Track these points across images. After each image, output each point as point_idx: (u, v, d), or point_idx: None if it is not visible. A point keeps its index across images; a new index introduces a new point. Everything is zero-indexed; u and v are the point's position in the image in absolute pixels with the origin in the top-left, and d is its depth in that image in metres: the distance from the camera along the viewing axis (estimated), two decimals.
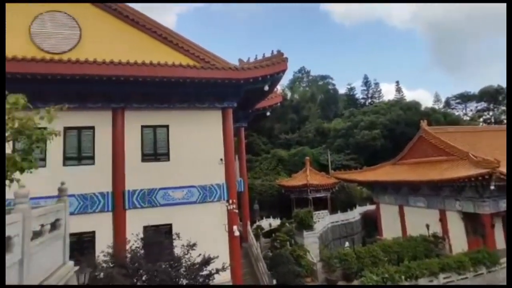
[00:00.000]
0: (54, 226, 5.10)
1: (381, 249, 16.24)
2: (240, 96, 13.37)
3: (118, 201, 11.28)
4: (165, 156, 12.13)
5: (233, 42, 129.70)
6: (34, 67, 10.24)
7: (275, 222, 26.24)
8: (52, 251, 4.98)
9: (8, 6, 12.06)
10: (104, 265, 7.81)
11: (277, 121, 49.58)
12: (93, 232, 10.87)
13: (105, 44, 12.30)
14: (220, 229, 11.84)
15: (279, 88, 21.33)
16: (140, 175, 11.59)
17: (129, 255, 8.10)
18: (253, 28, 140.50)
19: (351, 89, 73.98)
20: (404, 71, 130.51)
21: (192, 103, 12.53)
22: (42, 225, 4.65)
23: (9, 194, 4.66)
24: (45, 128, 4.83)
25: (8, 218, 3.69)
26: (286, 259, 14.27)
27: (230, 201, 12.08)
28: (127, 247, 8.86)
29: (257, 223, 25.72)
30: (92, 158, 11.60)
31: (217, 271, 8.28)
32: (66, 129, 10.80)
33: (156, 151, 12.15)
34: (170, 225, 11.31)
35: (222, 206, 12.10)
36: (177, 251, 8.67)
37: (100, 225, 10.95)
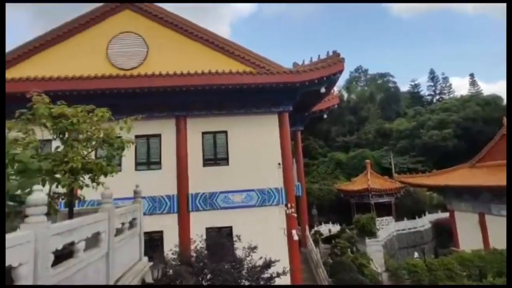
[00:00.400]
0: (131, 224, 5.64)
1: (457, 262, 14.58)
2: (296, 99, 13.30)
3: (182, 204, 12.03)
4: (225, 161, 12.60)
5: (286, 46, 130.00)
6: (111, 83, 11.56)
7: (335, 228, 25.35)
8: (130, 247, 5.50)
9: (89, 31, 13.95)
10: (173, 262, 8.38)
11: (333, 124, 48.05)
12: (161, 232, 11.73)
13: (169, 57, 13.36)
14: (279, 233, 11.83)
15: (335, 89, 20.70)
16: (201, 179, 12.21)
17: (194, 255, 8.57)
18: (307, 30, 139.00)
19: (415, 86, 68.34)
20: (479, 62, 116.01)
21: (249, 108, 12.83)
22: (122, 223, 5.18)
23: (95, 195, 5.30)
24: (120, 137, 5.40)
25: (97, 216, 4.20)
26: (348, 267, 13.65)
27: (289, 205, 12.01)
28: (192, 247, 9.37)
29: (315, 228, 25.16)
30: (159, 163, 12.58)
31: (278, 274, 8.27)
32: (137, 137, 11.90)
33: (216, 156, 12.70)
34: (231, 227, 11.66)
35: (281, 210, 12.09)
36: (238, 253, 8.89)
37: (167, 225, 11.76)
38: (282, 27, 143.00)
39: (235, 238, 9.29)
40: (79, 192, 5.29)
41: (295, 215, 12.22)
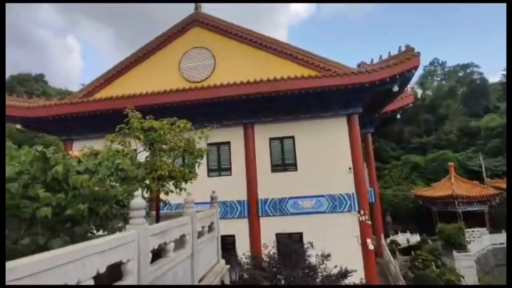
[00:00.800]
0: (210, 228, 5.97)
1: None
2: (365, 100, 12.63)
3: (252, 209, 12.31)
4: (293, 166, 12.54)
5: (346, 47, 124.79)
6: (184, 96, 12.51)
7: (414, 238, 23.07)
8: (210, 250, 5.82)
9: (163, 51, 15.46)
10: (247, 266, 8.60)
11: (407, 124, 44.13)
12: (233, 236, 12.16)
13: (235, 67, 14.07)
14: (352, 241, 11.24)
15: (407, 86, 19.09)
16: (270, 185, 12.35)
17: (267, 260, 8.65)
18: (367, 30, 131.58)
19: None
20: None
21: (316, 112, 12.59)
22: (203, 227, 5.52)
23: (179, 200, 5.76)
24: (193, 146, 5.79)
25: (182, 220, 4.54)
26: (433, 283, 12.24)
27: (362, 212, 11.35)
28: (266, 252, 9.49)
29: (391, 237, 23.29)
30: (229, 169, 13.13)
31: (355, 286, 7.84)
32: (208, 145, 12.64)
33: (284, 161, 12.73)
34: (301, 233, 11.51)
35: (353, 217, 11.49)
36: (311, 260, 8.68)
37: (239, 230, 12.15)
38: (341, 28, 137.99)
39: (307, 245, 9.11)
40: (163, 197, 5.84)
41: (370, 222, 11.47)
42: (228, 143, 13.31)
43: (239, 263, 8.92)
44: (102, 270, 2.54)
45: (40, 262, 1.92)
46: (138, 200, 3.22)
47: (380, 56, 13.16)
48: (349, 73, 11.82)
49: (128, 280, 2.98)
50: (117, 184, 4.24)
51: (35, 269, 1.87)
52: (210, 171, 13.22)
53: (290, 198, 12.08)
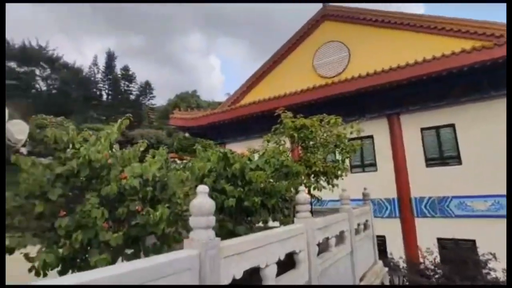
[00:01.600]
0: (365, 226, 5.70)
1: None
2: None
3: (404, 208, 11.05)
4: (455, 160, 10.50)
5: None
6: (320, 92, 12.48)
7: None
8: (366, 249, 5.56)
9: (296, 51, 15.94)
10: (404, 271, 7.78)
11: None
12: (383, 237, 11.23)
13: (372, 55, 13.06)
14: None
15: None
16: (426, 182, 10.77)
17: (431, 267, 7.55)
18: None
19: None
20: None
21: (484, 92, 10.11)
22: (358, 224, 5.31)
23: (332, 195, 5.75)
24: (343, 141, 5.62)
25: (340, 216, 4.50)
26: None
27: None
28: (430, 258, 8.31)
29: None
30: (374, 165, 12.24)
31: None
32: (350, 140, 12.14)
33: (442, 154, 10.84)
34: (473, 241, 9.46)
35: None
36: (496, 275, 6.98)
37: (389, 230, 11.12)
38: None
39: (486, 255, 7.39)
40: (315, 192, 5.94)
41: None
42: (371, 136, 12.45)
43: (397, 266, 8.15)
44: (282, 257, 2.78)
45: (241, 244, 2.27)
46: (304, 195, 3.38)
47: None
48: None
49: (301, 267, 3.16)
50: (272, 180, 4.61)
51: (240, 249, 2.21)
52: (352, 167, 12.70)
53: (454, 197, 10.15)
